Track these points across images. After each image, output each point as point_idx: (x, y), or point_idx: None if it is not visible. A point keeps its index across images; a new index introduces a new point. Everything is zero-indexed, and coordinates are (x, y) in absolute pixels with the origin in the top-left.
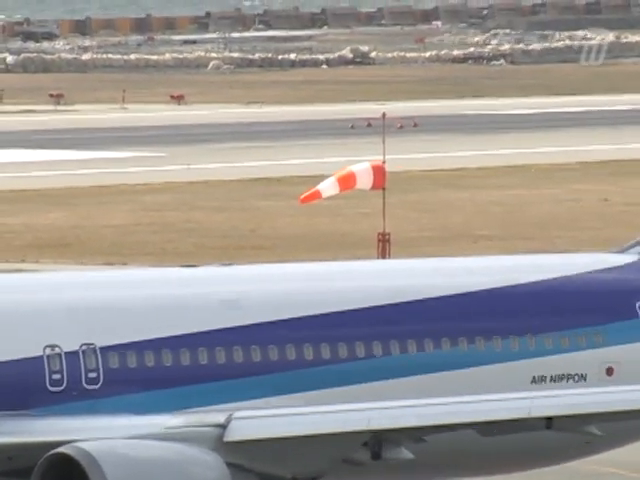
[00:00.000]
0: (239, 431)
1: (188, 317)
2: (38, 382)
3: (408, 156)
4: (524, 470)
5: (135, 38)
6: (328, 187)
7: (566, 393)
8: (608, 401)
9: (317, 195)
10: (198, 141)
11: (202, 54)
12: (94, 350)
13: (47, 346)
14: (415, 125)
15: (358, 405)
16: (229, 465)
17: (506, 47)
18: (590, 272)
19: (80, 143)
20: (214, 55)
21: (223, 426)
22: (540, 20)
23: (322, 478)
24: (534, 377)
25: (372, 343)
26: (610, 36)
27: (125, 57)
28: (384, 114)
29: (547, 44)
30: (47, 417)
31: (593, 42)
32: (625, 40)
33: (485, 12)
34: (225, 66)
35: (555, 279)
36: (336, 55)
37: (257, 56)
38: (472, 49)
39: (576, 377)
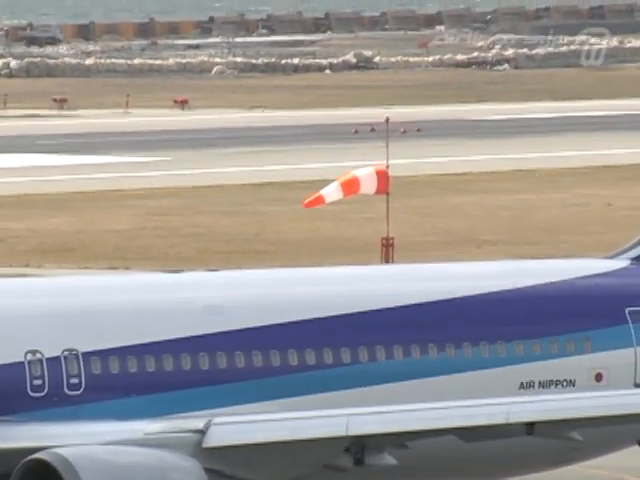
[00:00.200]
0: (218, 437)
1: (171, 323)
2: (19, 388)
3: (412, 161)
4: (507, 476)
5: (138, 43)
6: (332, 192)
7: (546, 399)
8: (589, 406)
9: (321, 200)
10: (202, 146)
11: (205, 59)
12: (76, 356)
13: (28, 352)
14: (419, 130)
15: (337, 411)
16: (208, 471)
17: (510, 52)
18: (580, 278)
19: (84, 148)
20: (217, 60)
21: (202, 432)
22: (544, 25)
23: None
24: (522, 383)
25: (358, 349)
26: (614, 41)
27: (128, 62)
28: (387, 119)
29: (551, 49)
30: (27, 423)
31: (594, 46)
32: (629, 45)
33: (489, 17)
34: (228, 71)
35: (544, 285)
36: (339, 60)
37: (260, 61)
38: (476, 54)
39: (565, 383)
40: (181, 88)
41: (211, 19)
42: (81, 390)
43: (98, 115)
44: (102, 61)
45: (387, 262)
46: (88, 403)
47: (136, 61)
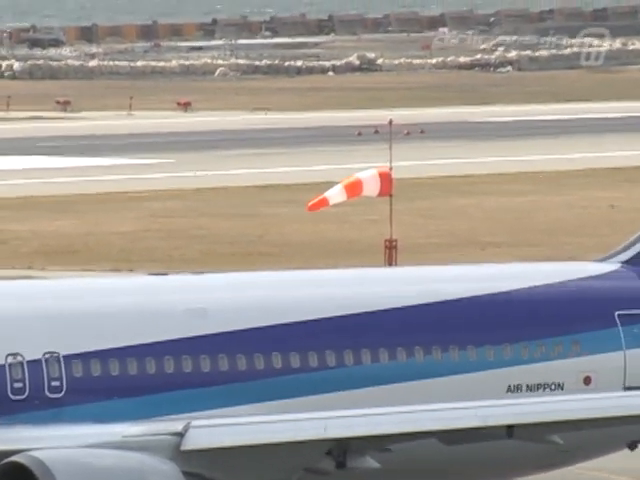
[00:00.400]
0: (196, 440)
1: (154, 326)
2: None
3: (415, 163)
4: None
5: (141, 45)
6: (335, 194)
7: (526, 402)
8: (568, 409)
9: (324, 202)
10: (205, 148)
11: (208, 61)
12: (57, 359)
13: (9, 354)
14: (422, 132)
15: (317, 414)
16: (187, 474)
17: (513, 54)
18: (569, 281)
19: (87, 150)
20: (220, 62)
21: (181, 435)
22: (547, 27)
23: None
24: (510, 386)
25: (343, 352)
26: (617, 43)
27: (131, 64)
28: (391, 121)
29: (553, 50)
30: (7, 426)
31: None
32: (632, 47)
33: (492, 19)
34: (231, 73)
35: (533, 288)
36: (343, 62)
37: (263, 63)
38: (479, 56)
39: (553, 386)
40: (184, 90)
41: (214, 21)
42: (62, 393)
43: (101, 117)
44: (105, 63)
45: (390, 264)
46: (69, 406)
47: (139, 63)
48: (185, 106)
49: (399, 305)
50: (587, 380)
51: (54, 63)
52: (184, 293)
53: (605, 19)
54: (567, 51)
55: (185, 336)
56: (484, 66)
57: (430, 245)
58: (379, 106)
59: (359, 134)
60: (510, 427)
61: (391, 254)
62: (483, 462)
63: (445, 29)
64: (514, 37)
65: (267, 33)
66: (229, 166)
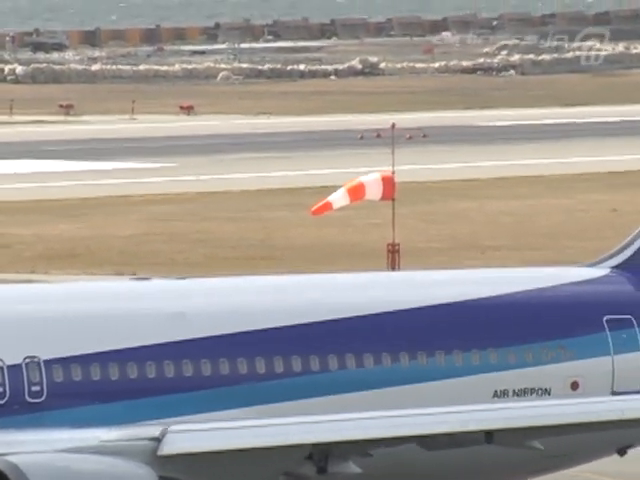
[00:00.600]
0: (173, 445)
1: (135, 331)
2: None
3: (417, 167)
4: None
5: (144, 49)
6: (339, 198)
7: (506, 407)
8: (548, 414)
9: (328, 206)
10: (208, 152)
11: (211, 65)
12: (38, 363)
13: None
14: (424, 136)
15: (296, 418)
16: (165, 479)
17: (515, 57)
18: (558, 286)
19: (90, 154)
20: (223, 66)
21: (158, 439)
22: (549, 31)
23: None
24: (496, 391)
25: (327, 357)
26: (620, 46)
27: (134, 68)
28: (393, 125)
29: (556, 55)
30: None
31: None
32: (635, 51)
33: (495, 23)
34: (234, 77)
35: (521, 292)
36: (345, 66)
37: (266, 67)
38: (481, 60)
39: (540, 391)
40: (187, 94)
41: (217, 25)
42: (43, 398)
43: (104, 121)
44: (108, 67)
45: (393, 268)
46: (50, 411)
47: (142, 67)
48: (188, 110)
49: (384, 310)
50: (574, 385)
51: (57, 67)
52: (166, 298)
53: (607, 23)
54: (569, 55)
55: (167, 341)
56: (487, 70)
57: (432, 249)
58: (381, 110)
59: (361, 138)
60: (490, 432)
61: (394, 258)
62: (465, 467)
63: (448, 33)
64: (516, 41)
65: (270, 37)
66: (232, 170)
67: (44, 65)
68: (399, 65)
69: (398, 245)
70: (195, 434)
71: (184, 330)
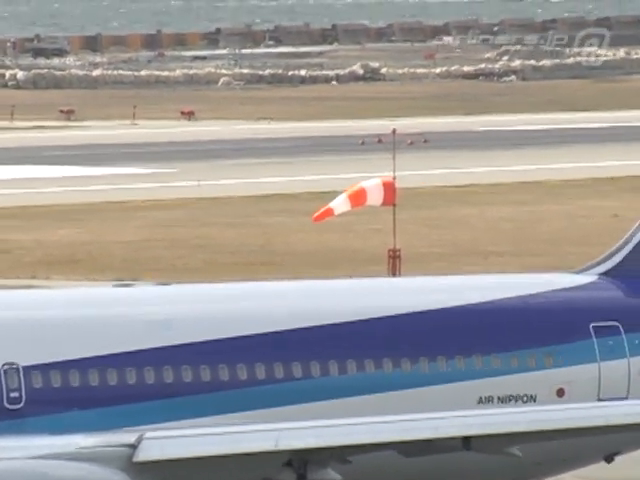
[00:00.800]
0: (148, 451)
1: (116, 337)
2: None
3: (419, 172)
4: None
5: (145, 54)
6: (340, 204)
7: (482, 413)
8: (524, 421)
9: (329, 213)
10: (209, 157)
11: (212, 70)
12: (16, 370)
13: None
14: (425, 141)
15: (272, 425)
16: None
17: (517, 63)
18: (545, 292)
19: (91, 159)
20: (224, 71)
21: (133, 446)
22: (550, 34)
23: None
24: (481, 398)
25: (309, 364)
26: (621, 52)
27: (135, 73)
28: (394, 130)
29: (558, 60)
30: None
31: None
32: (635, 56)
33: (496, 28)
34: (235, 82)
35: (507, 299)
36: (346, 71)
37: (267, 72)
38: (483, 65)
39: (525, 398)
40: (188, 99)
41: (218, 30)
42: (22, 404)
43: (105, 126)
44: (109, 72)
45: (394, 274)
46: (29, 417)
47: (143, 72)
48: (189, 115)
49: (366, 317)
50: (560, 392)
51: (58, 72)
52: (147, 304)
53: (609, 28)
54: (570, 60)
55: (147, 347)
56: (488, 75)
57: (433, 255)
58: (383, 115)
59: (362, 143)
60: (467, 438)
61: (395, 264)
62: (444, 474)
63: (449, 38)
64: (517, 46)
65: (271, 42)
66: (232, 175)
67: (45, 71)
68: (400, 70)
69: (399, 251)
70: (171, 441)
71: (164, 337)
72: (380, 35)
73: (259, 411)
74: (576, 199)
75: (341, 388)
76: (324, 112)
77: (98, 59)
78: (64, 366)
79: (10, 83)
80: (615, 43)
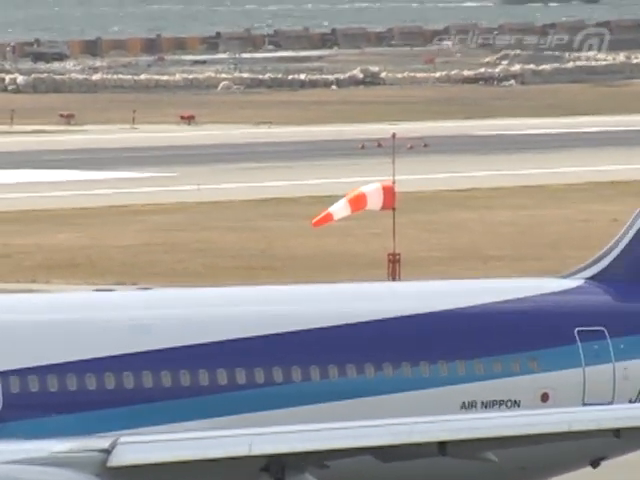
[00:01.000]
0: (122, 456)
1: (95, 341)
2: None
3: (418, 176)
4: None
5: (145, 58)
6: (340, 209)
7: (459, 418)
8: (498, 426)
9: (329, 217)
10: (208, 161)
11: (212, 74)
12: None
13: None
14: (425, 145)
15: (248, 429)
16: None
17: (517, 67)
18: (530, 297)
19: (91, 163)
20: (224, 75)
21: (107, 451)
22: (550, 34)
23: None
24: (464, 403)
25: (291, 368)
26: (621, 56)
27: (135, 77)
28: (394, 134)
29: (557, 64)
30: None
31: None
32: (635, 60)
33: (496, 32)
34: (235, 86)
35: (492, 303)
36: (346, 75)
37: (267, 76)
38: (482, 69)
39: (509, 403)
40: (187, 104)
41: (218, 35)
42: None
43: (105, 131)
44: (109, 77)
45: (394, 278)
46: (7, 422)
47: (143, 77)
48: (189, 120)
49: (349, 321)
50: (545, 397)
51: (58, 77)
52: (127, 309)
53: (609, 32)
54: (570, 65)
55: (127, 352)
56: (488, 80)
57: (432, 259)
58: (382, 120)
59: (362, 148)
60: (442, 444)
61: (394, 268)
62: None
63: (449, 42)
64: (517, 50)
65: (270, 47)
66: (232, 179)
67: (45, 75)
68: (400, 75)
69: (399, 255)
70: (145, 445)
71: (144, 341)
72: (380, 39)
73: (240, 416)
74: (576, 203)
75: (323, 393)
76: (324, 116)
77: (98, 63)
78: (42, 371)
79: (10, 87)
80: (615, 47)
